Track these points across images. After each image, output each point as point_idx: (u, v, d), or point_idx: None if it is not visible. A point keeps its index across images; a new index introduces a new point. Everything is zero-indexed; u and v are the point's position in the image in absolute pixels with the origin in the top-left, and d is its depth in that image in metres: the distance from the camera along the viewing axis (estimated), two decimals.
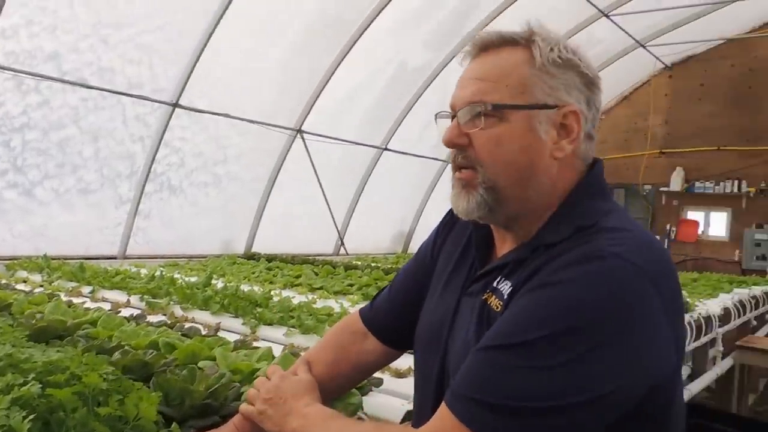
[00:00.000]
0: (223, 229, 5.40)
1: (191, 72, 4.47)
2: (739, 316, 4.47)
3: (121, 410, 0.92)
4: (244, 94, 4.97)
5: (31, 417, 0.83)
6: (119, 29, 4.08)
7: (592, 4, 6.26)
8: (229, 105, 4.83)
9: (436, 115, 0.98)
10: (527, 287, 0.81)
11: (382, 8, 5.16)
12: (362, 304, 3.07)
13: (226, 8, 4.29)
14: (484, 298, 0.90)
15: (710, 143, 8.17)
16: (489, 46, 0.91)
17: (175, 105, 4.53)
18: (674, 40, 7.58)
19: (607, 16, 6.59)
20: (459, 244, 1.07)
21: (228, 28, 4.40)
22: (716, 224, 8.28)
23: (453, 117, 0.92)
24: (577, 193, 0.90)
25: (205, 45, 4.41)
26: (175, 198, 4.90)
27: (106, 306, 2.43)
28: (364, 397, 1.39)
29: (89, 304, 2.42)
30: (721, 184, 8.07)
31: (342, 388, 1.19)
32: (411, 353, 1.22)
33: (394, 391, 1.53)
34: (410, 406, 1.40)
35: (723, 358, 4.21)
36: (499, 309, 0.86)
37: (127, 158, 4.52)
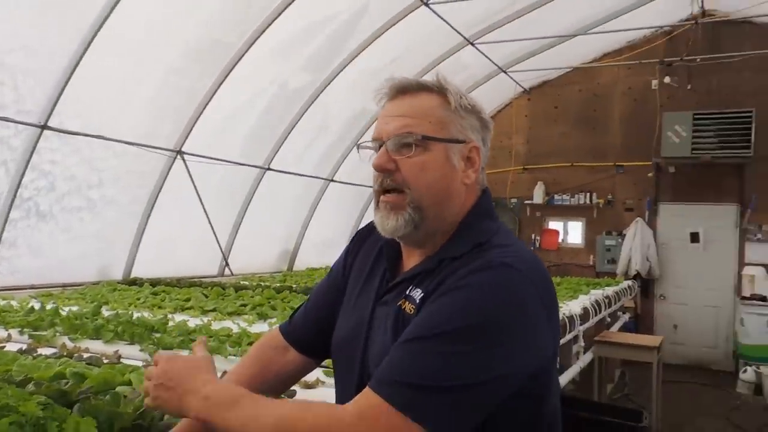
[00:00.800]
0: (99, 255, 5.13)
1: (61, 93, 4.25)
2: (595, 315, 5.01)
3: None
4: (121, 115, 4.80)
5: None
6: None
7: (459, 33, 6.75)
8: (104, 127, 4.64)
9: (358, 144, 1.15)
10: (439, 292, 0.97)
11: (262, 32, 5.23)
12: (259, 324, 3.15)
13: (98, 30, 4.13)
14: (399, 304, 1.05)
15: (565, 160, 9.02)
16: (408, 89, 1.09)
17: (44, 126, 4.28)
18: (531, 67, 8.33)
19: (472, 44, 7.13)
20: (368, 261, 1.23)
21: (102, 50, 4.23)
22: (573, 232, 9.11)
23: (379, 147, 1.08)
24: (474, 215, 1.09)
25: (77, 65, 4.21)
26: (45, 224, 4.60)
27: None
28: None
29: None
30: (576, 196, 8.92)
31: (268, 394, 1.28)
32: (322, 366, 1.35)
33: (305, 401, 1.64)
34: None
35: (584, 352, 4.70)
36: (412, 312, 1.02)
37: None
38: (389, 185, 1.07)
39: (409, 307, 1.04)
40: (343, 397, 1.16)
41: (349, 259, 1.29)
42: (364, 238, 1.28)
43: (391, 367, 0.91)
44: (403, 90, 1.09)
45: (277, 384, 1.27)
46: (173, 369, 1.01)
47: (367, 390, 0.91)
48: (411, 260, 1.13)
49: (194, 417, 0.96)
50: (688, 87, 8.22)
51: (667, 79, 8.24)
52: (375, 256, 1.22)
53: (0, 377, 1.42)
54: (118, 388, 1.41)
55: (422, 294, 1.02)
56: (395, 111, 1.08)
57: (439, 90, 1.08)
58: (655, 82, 8.32)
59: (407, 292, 1.06)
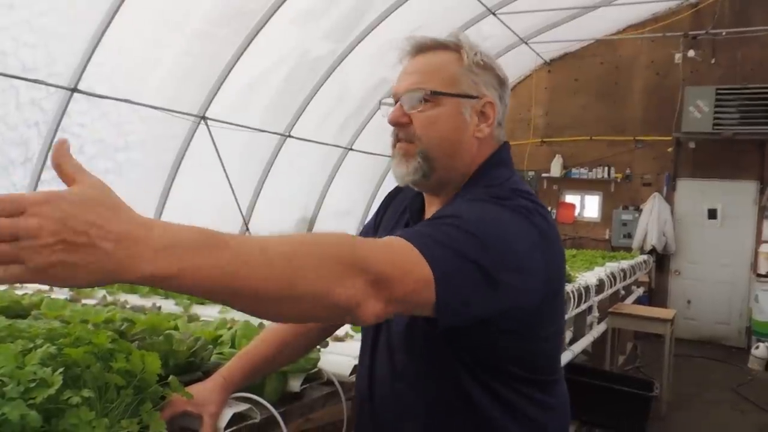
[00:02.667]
0: None
1: (90, 56, 4.33)
2: (610, 286, 5.06)
3: (130, 365, 1.06)
4: (147, 80, 4.89)
5: (60, 371, 0.95)
6: (12, 10, 3.89)
7: (481, 2, 6.71)
8: (131, 91, 4.73)
9: (380, 101, 1.23)
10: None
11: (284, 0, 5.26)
12: None
13: None
14: None
15: (584, 133, 8.99)
16: (425, 48, 1.15)
17: (74, 90, 4.38)
18: (552, 39, 8.26)
19: (494, 14, 7.08)
20: (395, 216, 1.32)
21: (129, 14, 4.30)
22: (590, 206, 9.13)
23: (396, 103, 1.15)
24: (488, 164, 1.16)
25: (105, 30, 4.29)
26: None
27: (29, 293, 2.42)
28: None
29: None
30: (594, 170, 8.91)
31: (308, 345, 1.36)
32: None
33: (338, 352, 1.74)
34: (356, 362, 1.62)
35: (598, 323, 4.78)
36: None
37: (21, 144, 4.32)
38: (402, 137, 1.13)
39: None
40: (363, 347, 1.26)
41: (378, 218, 1.38)
42: (392, 197, 1.37)
43: (409, 229, 0.96)
44: (420, 48, 1.15)
45: (317, 333, 1.36)
46: (72, 214, 0.60)
47: (387, 236, 0.92)
48: (432, 209, 1.20)
49: (149, 276, 0.63)
50: (712, 61, 8.10)
51: (690, 53, 8.13)
52: (401, 211, 1.30)
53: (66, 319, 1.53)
54: (167, 332, 1.51)
55: None
56: (410, 68, 1.15)
57: (455, 47, 1.14)
58: (678, 56, 8.20)
59: None
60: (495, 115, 1.15)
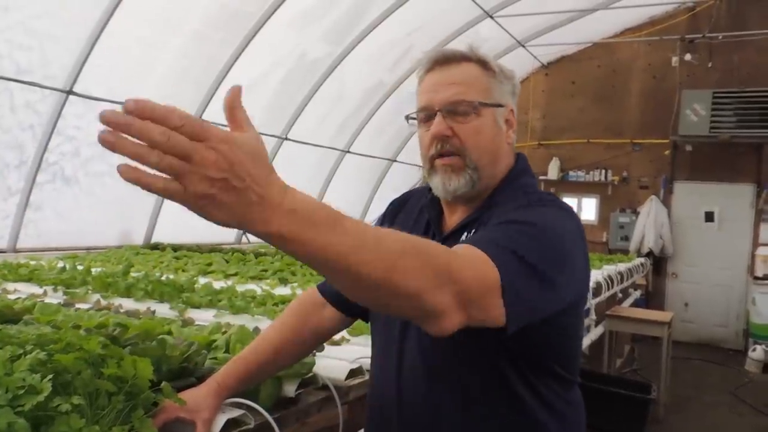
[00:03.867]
0: (120, 220, 5.25)
1: (86, 59, 4.32)
2: (608, 289, 5.06)
3: (121, 371, 1.04)
4: (143, 82, 4.87)
5: (49, 377, 0.93)
6: (6, 13, 3.87)
7: (478, 5, 6.70)
8: (127, 93, 4.59)
9: (407, 116, 1.21)
10: (498, 221, 1.05)
11: (282, 2, 5.24)
12: (281, 288, 3.21)
13: None
14: None
15: (581, 136, 9.00)
16: (451, 60, 1.16)
17: (69, 92, 4.36)
18: (550, 42, 8.27)
19: (491, 17, 7.08)
20: (407, 225, 1.29)
21: (125, 17, 4.28)
22: (587, 209, 9.14)
23: (427, 117, 1.15)
24: (517, 170, 1.20)
25: (101, 32, 4.27)
26: (70, 188, 4.71)
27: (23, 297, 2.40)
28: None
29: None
30: (591, 173, 8.92)
31: (303, 351, 1.35)
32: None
33: (334, 356, 1.72)
34: (353, 365, 1.61)
35: (596, 326, 4.78)
36: None
37: (15, 147, 4.29)
38: (448, 150, 1.14)
39: None
40: (384, 350, 1.23)
41: (385, 225, 1.34)
42: (400, 205, 1.35)
43: (481, 237, 1.00)
44: (446, 60, 1.15)
45: (312, 338, 1.35)
46: (237, 159, 0.64)
47: (465, 246, 0.94)
48: (455, 216, 1.21)
49: (275, 233, 0.68)
50: (709, 65, 8.12)
51: (687, 57, 8.14)
52: (415, 219, 1.28)
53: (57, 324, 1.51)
54: (160, 337, 1.49)
55: (475, 232, 1.12)
56: (444, 80, 1.15)
57: (477, 60, 1.16)
58: (675, 59, 8.21)
59: (462, 239, 1.14)
60: (515, 122, 1.21)
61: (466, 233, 1.15)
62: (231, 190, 0.64)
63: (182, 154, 0.62)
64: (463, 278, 0.83)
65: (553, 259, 0.98)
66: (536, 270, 0.94)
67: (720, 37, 7.70)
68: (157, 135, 0.61)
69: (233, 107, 0.69)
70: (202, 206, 0.65)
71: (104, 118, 0.60)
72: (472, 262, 0.88)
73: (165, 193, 0.64)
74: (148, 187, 0.63)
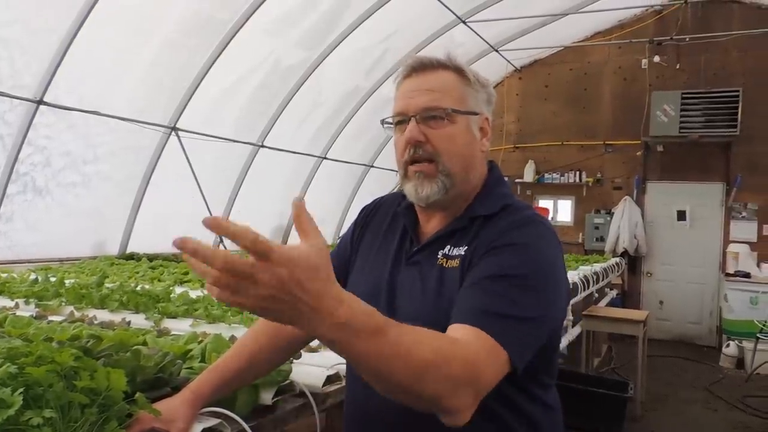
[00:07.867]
0: (94, 230, 5.18)
1: (57, 68, 4.26)
2: (584, 290, 5.13)
3: (94, 383, 1.03)
4: (116, 91, 4.81)
5: (20, 391, 0.92)
6: None
7: (451, 11, 6.76)
8: (99, 102, 4.65)
9: (382, 120, 1.23)
10: (490, 247, 1.08)
11: (256, 8, 5.23)
12: None
13: (93, 5, 4.12)
14: (437, 262, 1.15)
15: (555, 139, 9.11)
16: (427, 66, 1.17)
17: (40, 102, 4.29)
18: (522, 46, 8.37)
19: (464, 22, 7.15)
20: (380, 232, 1.30)
21: (97, 25, 4.23)
22: (563, 211, 9.24)
23: (402, 121, 1.16)
24: (493, 179, 1.22)
25: (72, 40, 4.21)
26: (41, 199, 4.64)
27: None
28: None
29: None
30: (566, 175, 9.03)
31: (279, 358, 1.35)
32: None
33: (310, 363, 1.72)
34: (330, 372, 1.61)
35: (573, 326, 4.83)
36: (456, 266, 1.12)
37: None
38: (420, 156, 1.15)
39: (450, 263, 1.13)
40: None
41: (357, 231, 1.36)
42: (372, 212, 1.36)
43: (473, 302, 1.00)
44: (423, 67, 1.17)
45: (288, 346, 1.34)
46: (292, 279, 0.70)
47: (463, 327, 0.96)
48: (431, 224, 1.22)
49: (322, 337, 0.76)
50: (677, 66, 8.30)
51: (656, 59, 8.32)
52: (388, 225, 1.29)
53: (30, 337, 1.48)
54: (134, 348, 1.48)
55: (466, 247, 1.13)
56: (420, 86, 1.16)
57: (454, 67, 1.17)
58: (644, 62, 8.39)
59: (444, 250, 1.15)
60: (490, 130, 1.22)
61: (449, 245, 1.16)
62: (280, 303, 0.71)
63: (241, 275, 0.69)
64: (485, 380, 0.91)
65: (546, 300, 1.04)
66: (534, 320, 1.01)
67: (687, 40, 7.87)
68: (218, 263, 0.68)
69: (300, 219, 0.75)
70: (254, 311, 0.73)
71: (178, 244, 0.69)
72: (488, 357, 0.93)
73: (219, 301, 0.75)
74: (209, 289, 0.71)
